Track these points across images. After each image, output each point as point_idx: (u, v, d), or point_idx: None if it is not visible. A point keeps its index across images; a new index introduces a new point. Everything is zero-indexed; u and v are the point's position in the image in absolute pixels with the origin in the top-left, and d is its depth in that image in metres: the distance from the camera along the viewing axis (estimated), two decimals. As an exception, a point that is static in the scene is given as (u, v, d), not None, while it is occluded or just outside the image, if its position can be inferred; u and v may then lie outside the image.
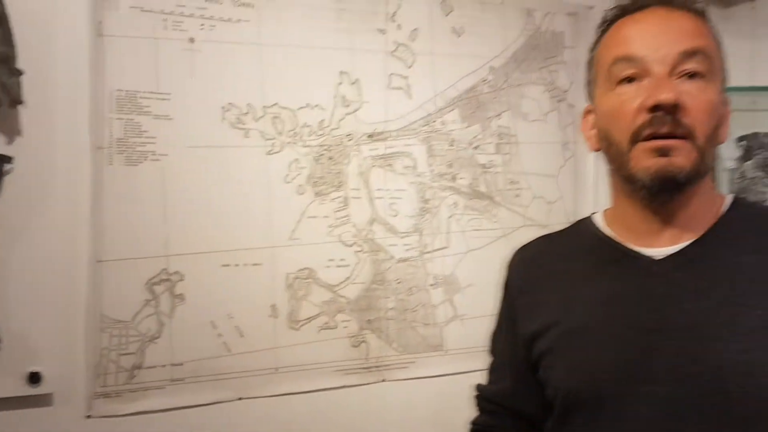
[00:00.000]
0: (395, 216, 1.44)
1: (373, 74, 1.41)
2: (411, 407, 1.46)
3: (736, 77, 1.81)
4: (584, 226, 1.03)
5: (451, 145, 1.50)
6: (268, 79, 1.31)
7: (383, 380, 1.44)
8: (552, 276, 1.00)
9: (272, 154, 1.32)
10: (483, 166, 1.53)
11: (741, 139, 1.64)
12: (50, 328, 1.13)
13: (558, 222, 1.63)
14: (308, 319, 1.36)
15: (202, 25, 1.25)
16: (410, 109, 1.45)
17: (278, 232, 1.33)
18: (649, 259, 0.89)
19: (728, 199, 0.93)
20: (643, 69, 0.85)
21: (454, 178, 1.50)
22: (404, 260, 1.46)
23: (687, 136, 0.82)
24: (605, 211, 1.03)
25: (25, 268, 1.12)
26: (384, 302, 1.44)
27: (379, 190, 1.42)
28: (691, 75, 0.83)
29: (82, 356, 1.16)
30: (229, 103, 1.28)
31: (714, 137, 0.85)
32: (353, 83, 1.39)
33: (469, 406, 1.38)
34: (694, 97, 0.82)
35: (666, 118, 0.82)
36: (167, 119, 1.23)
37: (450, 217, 1.50)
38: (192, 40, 1.24)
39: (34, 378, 1.10)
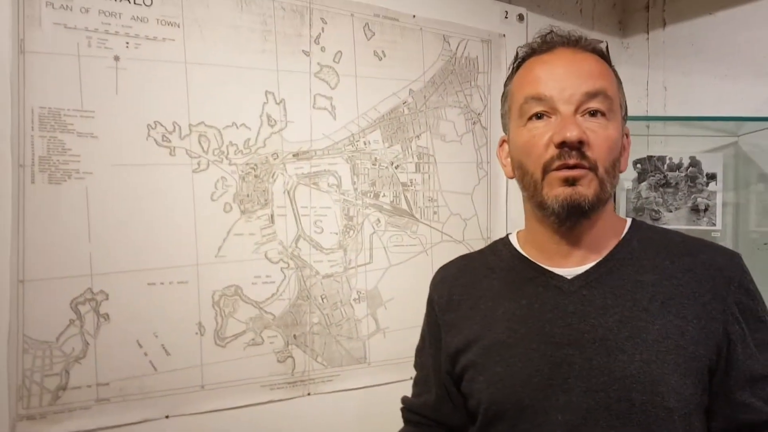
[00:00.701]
0: (320, 233, 1.48)
1: (298, 94, 1.45)
2: (336, 419, 1.50)
3: (632, 105, 1.97)
4: (501, 245, 1.12)
5: (374, 164, 1.55)
6: (194, 98, 1.32)
7: (309, 394, 1.47)
8: (473, 293, 1.07)
9: (198, 172, 1.33)
10: (404, 184, 1.60)
11: (636, 162, 1.79)
12: (-31, 351, 1.10)
13: (472, 238, 1.72)
14: (235, 335, 1.37)
15: (127, 43, 1.25)
16: (334, 129, 1.50)
17: (205, 250, 1.34)
18: (561, 278, 0.98)
19: (628, 223, 1.03)
20: (551, 107, 0.94)
21: (376, 196, 1.56)
22: (329, 276, 1.49)
23: (590, 167, 0.92)
24: (518, 232, 1.12)
25: (-58, 289, 1.08)
26: (309, 317, 1.47)
27: (304, 207, 1.46)
28: (593, 113, 0.93)
29: (5, 378, 1.13)
30: (155, 121, 1.28)
31: (614, 168, 0.95)
32: (278, 103, 1.42)
33: (391, 416, 1.44)
34: (596, 133, 0.92)
35: (572, 153, 0.91)
36: (92, 137, 1.22)
37: (373, 233, 1.55)
38: (117, 58, 1.24)
39: (-48, 403, 1.07)
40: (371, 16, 1.55)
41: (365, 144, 1.54)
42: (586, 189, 0.92)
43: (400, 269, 1.60)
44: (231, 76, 1.36)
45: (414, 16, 1.61)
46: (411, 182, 1.61)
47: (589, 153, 0.92)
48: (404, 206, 1.60)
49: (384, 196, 1.57)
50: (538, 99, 0.95)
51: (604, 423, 0.89)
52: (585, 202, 0.93)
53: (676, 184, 1.78)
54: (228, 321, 1.36)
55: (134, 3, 1.26)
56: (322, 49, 1.48)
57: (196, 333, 1.33)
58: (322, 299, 1.49)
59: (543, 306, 0.98)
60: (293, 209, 1.44)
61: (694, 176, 1.78)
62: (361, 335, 1.54)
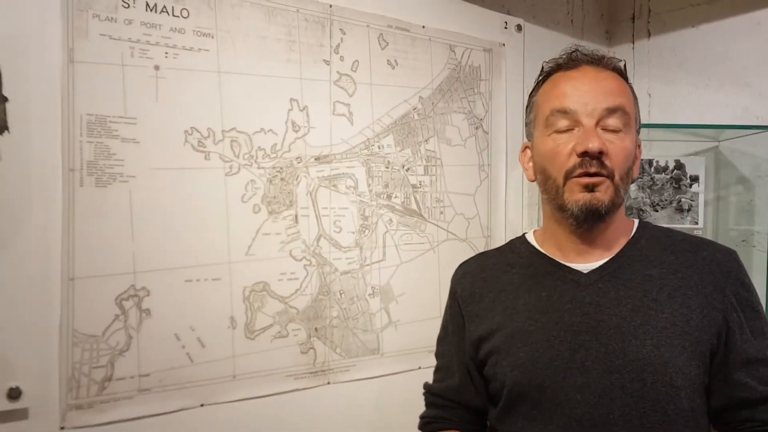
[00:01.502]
0: (339, 232, 1.57)
1: (319, 101, 1.53)
2: (353, 406, 1.60)
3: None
4: (519, 243, 1.23)
5: (387, 167, 1.65)
6: (227, 105, 1.40)
7: (329, 383, 1.56)
8: (494, 287, 1.18)
9: (230, 175, 1.41)
10: (414, 186, 1.70)
11: (627, 163, 1.92)
12: (27, 344, 1.17)
13: (474, 236, 1.83)
14: (263, 329, 1.46)
15: (167, 53, 1.32)
16: (352, 134, 1.59)
17: (236, 249, 1.42)
18: (577, 273, 1.10)
19: (636, 223, 1.16)
20: (575, 120, 1.06)
21: (389, 197, 1.65)
22: (347, 272, 1.59)
23: (608, 175, 1.04)
24: (534, 232, 1.23)
25: (2, 287, 1.14)
26: (329, 311, 1.56)
27: (324, 208, 1.55)
28: (612, 127, 1.05)
29: (56, 371, 1.20)
30: (192, 127, 1.36)
31: (628, 175, 1.07)
32: (302, 110, 1.51)
33: (403, 402, 1.55)
34: (614, 145, 1.04)
35: (593, 162, 1.03)
36: (134, 142, 1.29)
37: (386, 232, 1.65)
38: (157, 67, 1.31)
39: (14, 393, 1.13)
40: (385, 27, 1.64)
41: (379, 148, 1.63)
42: (603, 195, 1.04)
43: (410, 266, 1.70)
44: (259, 85, 1.45)
45: (423, 27, 1.71)
46: (420, 184, 1.71)
47: (607, 162, 1.03)
48: (414, 207, 1.70)
49: (396, 197, 1.67)
50: (564, 112, 1.07)
51: (618, 401, 1.01)
52: (602, 207, 1.04)
53: (662, 185, 1.92)
54: (257, 315, 1.45)
55: (173, 15, 1.33)
56: (341, 59, 1.57)
57: (229, 326, 1.41)
58: (341, 294, 1.58)
59: (561, 297, 1.08)
60: (315, 210, 1.53)
61: (679, 178, 1.92)
62: (375, 328, 1.64)
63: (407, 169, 1.69)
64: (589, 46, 2.15)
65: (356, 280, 1.61)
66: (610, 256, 1.10)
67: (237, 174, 1.42)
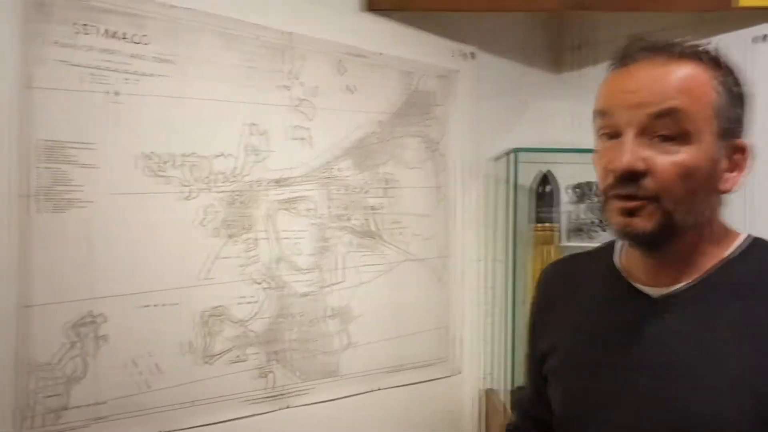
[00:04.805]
0: (298, 255, 1.59)
1: (279, 126, 1.55)
2: (313, 429, 1.60)
3: (568, 136, 2.18)
4: (605, 252, 1.04)
5: (346, 190, 1.67)
6: (187, 130, 1.41)
7: (288, 407, 1.56)
8: (566, 298, 1.04)
9: (189, 199, 1.41)
10: (372, 208, 1.73)
11: (576, 186, 1.99)
12: (-20, 374, 1.15)
13: (432, 256, 1.87)
14: (221, 353, 1.46)
15: (127, 78, 1.32)
16: (311, 157, 1.61)
17: (194, 273, 1.42)
18: (647, 298, 0.91)
19: (738, 242, 0.91)
20: (616, 128, 0.85)
21: (348, 219, 1.68)
22: (306, 295, 1.60)
23: (650, 198, 0.83)
24: None
25: (-45, 316, 1.12)
26: (288, 334, 1.57)
27: (284, 231, 1.56)
28: (663, 137, 0.82)
29: (11, 400, 1.18)
30: (151, 152, 1.36)
31: (695, 195, 0.84)
32: (262, 134, 1.52)
33: (361, 425, 1.56)
34: (662, 160, 0.82)
35: (627, 183, 0.83)
36: (93, 168, 1.28)
37: (345, 254, 1.67)
38: (117, 92, 1.31)
39: (-33, 425, 1.11)
40: (344, 54, 1.67)
41: (338, 171, 1.66)
42: (645, 222, 0.84)
43: (369, 287, 1.72)
44: (219, 109, 1.45)
45: (381, 54, 1.74)
46: (379, 206, 1.74)
47: (649, 184, 0.83)
48: (373, 228, 1.73)
49: (355, 219, 1.69)
50: (603, 116, 0.88)
51: None
52: (643, 235, 0.85)
53: (610, 207, 1.99)
54: (215, 339, 1.44)
55: (132, 41, 1.33)
56: (301, 84, 1.59)
57: (187, 351, 1.40)
58: (300, 317, 1.59)
59: (623, 325, 0.93)
60: (274, 233, 1.54)
61: (625, 200, 2.00)
62: (334, 350, 1.65)
63: (366, 192, 1.71)
64: (538, 73, 2.25)
65: (315, 302, 1.62)
66: (688, 282, 0.89)
67: (196, 198, 1.42)
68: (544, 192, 1.90)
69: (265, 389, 1.53)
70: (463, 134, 1.95)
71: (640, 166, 0.82)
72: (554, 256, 1.89)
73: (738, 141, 0.87)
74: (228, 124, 1.47)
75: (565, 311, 1.03)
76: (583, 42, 2.20)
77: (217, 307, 1.45)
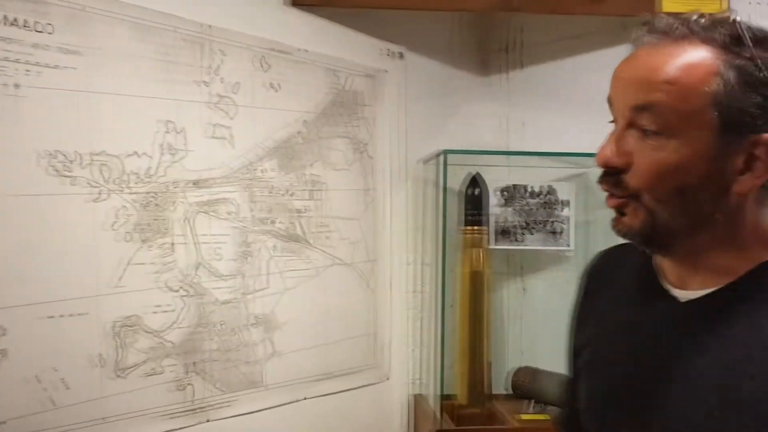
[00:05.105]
0: (219, 260, 1.50)
1: (197, 124, 1.47)
2: (235, 444, 1.53)
3: (495, 138, 2.18)
4: None
5: (270, 192, 1.60)
6: (96, 127, 1.30)
7: (208, 420, 1.48)
8: (603, 292, 0.97)
9: (99, 201, 1.31)
10: (298, 211, 1.66)
11: (503, 189, 1.98)
12: None
13: (360, 260, 1.82)
14: (135, 366, 1.36)
15: (28, 70, 1.21)
16: (233, 157, 1.53)
17: (104, 281, 1.32)
18: (673, 301, 0.84)
19: None
20: (615, 118, 0.81)
21: (272, 223, 1.61)
22: (227, 302, 1.52)
23: (631, 195, 0.78)
24: None
25: None
26: (208, 344, 1.48)
27: (203, 235, 1.48)
28: (648, 131, 0.76)
29: None
30: (56, 150, 1.25)
31: (680, 194, 0.77)
32: (179, 132, 1.43)
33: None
34: (644, 156, 0.76)
35: (609, 178, 0.79)
36: (-12, 167, 1.17)
37: (269, 259, 1.60)
38: (17, 85, 1.20)
39: None
40: (267, 50, 1.60)
41: (262, 172, 1.59)
42: (632, 219, 0.79)
43: (294, 293, 1.65)
44: (132, 105, 1.36)
45: (307, 51, 1.68)
46: (305, 209, 1.68)
47: (630, 180, 0.77)
48: (298, 232, 1.67)
49: (280, 222, 1.62)
50: (608, 103, 0.82)
51: None
52: (630, 234, 0.80)
53: (536, 209, 2.00)
54: (128, 351, 1.35)
55: (35, 30, 1.22)
56: (221, 80, 1.51)
57: (97, 365, 1.30)
58: (221, 325, 1.51)
59: (647, 328, 0.86)
60: (193, 237, 1.46)
61: (551, 203, 2.01)
62: (257, 359, 1.58)
63: (291, 194, 1.65)
64: (466, 75, 2.24)
65: (238, 310, 1.54)
66: (718, 287, 0.80)
67: (106, 200, 1.32)
68: (473, 194, 1.88)
69: (183, 402, 1.44)
70: (391, 136, 1.91)
71: (615, 161, 0.77)
72: (483, 259, 1.88)
73: (757, 136, 0.73)
74: (142, 120, 1.38)
75: (598, 306, 0.96)
76: (510, 45, 2.21)
77: (129, 316, 1.35)
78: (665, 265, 0.85)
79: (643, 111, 0.75)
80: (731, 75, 0.73)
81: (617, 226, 0.81)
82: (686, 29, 0.76)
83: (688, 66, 0.74)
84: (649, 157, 0.75)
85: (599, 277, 0.99)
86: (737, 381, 0.73)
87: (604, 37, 1.98)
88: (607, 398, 0.87)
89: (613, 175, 0.78)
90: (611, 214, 0.83)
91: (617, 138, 0.78)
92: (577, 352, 0.98)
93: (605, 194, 0.81)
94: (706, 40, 0.75)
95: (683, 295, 0.82)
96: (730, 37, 0.74)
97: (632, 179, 0.77)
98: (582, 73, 2.05)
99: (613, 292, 0.93)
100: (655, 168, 0.75)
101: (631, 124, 0.77)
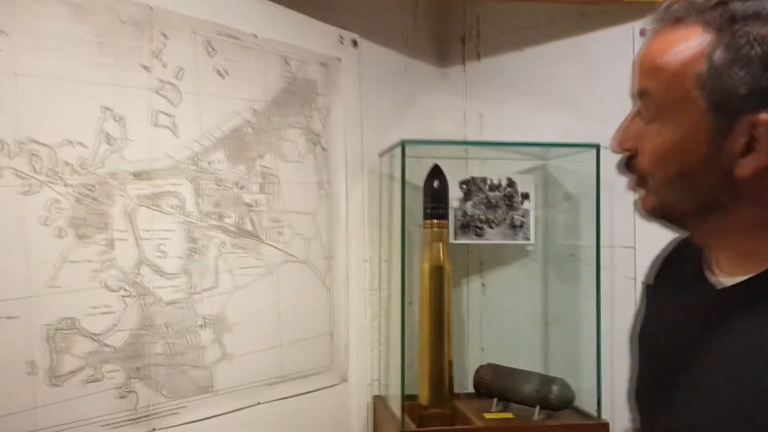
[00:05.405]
0: (163, 257, 1.41)
1: (138, 111, 1.37)
2: (183, 453, 1.43)
3: (452, 130, 2.13)
4: None
5: (218, 185, 1.51)
6: (25, 113, 1.20)
7: (153, 429, 1.38)
8: (664, 276, 0.98)
9: (28, 194, 1.20)
10: (248, 205, 1.57)
11: (463, 182, 1.93)
12: None
13: (315, 257, 1.74)
14: (71, 372, 1.25)
15: (-55, 49, 1.10)
16: (177, 148, 1.43)
17: (36, 281, 1.21)
18: (711, 289, 0.83)
19: None
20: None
21: (221, 218, 1.51)
22: (173, 302, 1.42)
23: (642, 178, 0.81)
24: None
25: None
26: (152, 348, 1.38)
27: (146, 231, 1.38)
28: (650, 117, 0.78)
29: None
30: (-22, 138, 1.14)
31: (683, 177, 0.77)
32: (117, 120, 1.33)
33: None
34: (646, 140, 0.79)
35: (624, 162, 0.82)
36: None
37: (218, 256, 1.51)
38: (-68, 65, 1.09)
39: None
40: (213, 34, 1.51)
41: (209, 164, 1.49)
42: (645, 201, 0.83)
43: (246, 292, 1.56)
44: (65, 90, 1.26)
45: (256, 36, 1.60)
46: (256, 203, 1.59)
47: (636, 163, 0.81)
48: (249, 227, 1.58)
49: (229, 217, 1.53)
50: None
51: None
52: (644, 215, 0.83)
53: (496, 202, 1.95)
54: (63, 357, 1.24)
55: (-48, 4, 1.11)
56: (164, 66, 1.41)
57: (28, 372, 1.19)
58: (166, 327, 1.41)
59: (685, 314, 0.86)
60: (134, 233, 1.36)
61: (511, 195, 1.96)
62: (206, 363, 1.49)
63: (241, 187, 1.56)
64: (423, 66, 2.18)
65: (184, 311, 1.44)
66: (754, 273, 0.77)
67: (37, 193, 1.21)
68: (434, 187, 1.81)
69: (126, 411, 1.34)
70: (346, 127, 1.84)
71: (625, 145, 0.81)
72: (444, 254, 1.82)
73: (753, 116, 0.70)
74: (77, 107, 1.28)
75: (656, 290, 0.97)
76: (467, 35, 2.16)
77: (65, 319, 1.25)
78: (711, 252, 0.85)
79: (642, 97, 0.79)
80: (719, 54, 0.72)
81: (638, 208, 0.84)
82: (684, 12, 0.76)
83: (677, 50, 0.75)
84: (650, 141, 0.78)
85: (668, 263, 0.99)
86: (758, 372, 0.71)
87: (563, 26, 1.95)
88: (649, 381, 0.90)
89: (628, 160, 0.81)
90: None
91: (627, 124, 0.81)
92: (638, 337, 0.99)
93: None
94: (702, 22, 0.74)
95: (719, 282, 0.82)
96: (725, 15, 0.73)
97: (640, 163, 0.80)
98: (541, 63, 2.01)
99: (673, 278, 0.94)
100: (655, 152, 0.78)
101: (639, 111, 0.80)
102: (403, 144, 1.69)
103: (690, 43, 0.74)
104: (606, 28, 1.84)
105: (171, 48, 1.43)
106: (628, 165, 0.81)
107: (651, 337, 0.93)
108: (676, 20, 0.76)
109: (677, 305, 0.89)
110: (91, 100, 1.30)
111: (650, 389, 0.90)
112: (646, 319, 0.97)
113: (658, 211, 0.81)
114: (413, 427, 1.69)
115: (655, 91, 0.76)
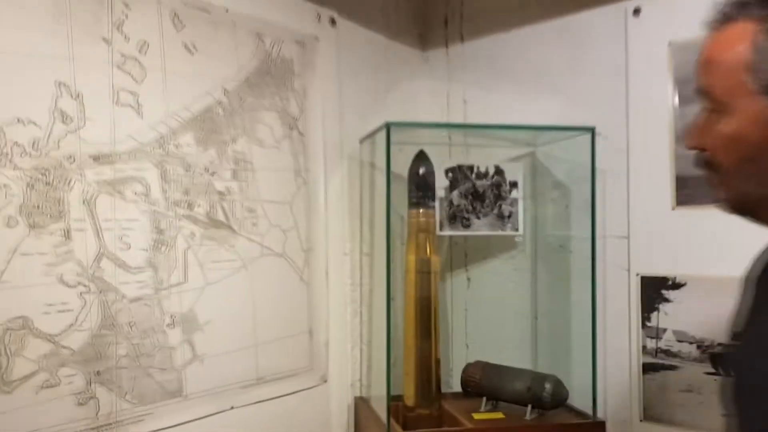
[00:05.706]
0: (127, 250, 1.28)
1: (97, 88, 1.24)
2: (150, 465, 1.30)
3: (434, 116, 2.02)
4: None
5: (187, 171, 1.38)
6: (-35, 86, 1.06)
7: (117, 439, 1.25)
8: (751, 276, 0.97)
9: (-28, 178, 1.07)
10: (220, 193, 1.45)
11: (448, 171, 1.82)
12: None
13: (293, 250, 1.62)
14: (24, 378, 1.12)
15: None
16: (141, 129, 1.31)
17: (-19, 275, 1.08)
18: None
19: None
20: None
21: (190, 206, 1.39)
22: (138, 299, 1.30)
23: (714, 171, 0.84)
24: None
25: None
26: (115, 349, 1.26)
27: (107, 220, 1.25)
28: (710, 111, 0.83)
29: None
30: None
31: (753, 163, 0.80)
32: (74, 97, 1.20)
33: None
34: (711, 134, 0.82)
35: (699, 158, 0.86)
36: None
37: (187, 248, 1.38)
38: None
39: None
40: (180, 5, 1.38)
41: (176, 147, 1.37)
42: (720, 192, 0.85)
43: (218, 287, 1.44)
44: (15, 64, 1.12)
45: (227, 10, 1.47)
46: (228, 191, 1.47)
47: (707, 157, 0.84)
48: (221, 218, 1.45)
49: (199, 206, 1.41)
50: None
51: None
52: (725, 206, 0.85)
53: (484, 192, 1.85)
54: (15, 360, 1.11)
55: None
56: (126, 38, 1.29)
57: (-28, 379, 1.06)
58: (130, 327, 1.28)
59: (746, 310, 0.91)
60: (94, 222, 1.22)
61: (499, 184, 1.86)
62: (175, 365, 1.36)
63: (212, 173, 1.43)
64: (404, 48, 2.08)
65: (150, 308, 1.32)
66: None
67: (-18, 177, 1.08)
68: (420, 174, 1.70)
69: (86, 419, 1.21)
70: (325, 111, 1.72)
71: (696, 143, 0.84)
72: (431, 246, 1.71)
73: None
74: (29, 82, 1.14)
75: (744, 293, 0.96)
76: (450, 17, 2.06)
77: (15, 318, 1.12)
78: None
79: (701, 94, 0.83)
80: (761, 40, 0.76)
81: (715, 200, 0.86)
82: (732, 10, 0.81)
83: (722, 44, 0.80)
84: (714, 134, 0.81)
85: (758, 265, 0.96)
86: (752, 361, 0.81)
87: (551, 5, 1.85)
88: (720, 392, 0.92)
89: (702, 156, 0.84)
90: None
91: (697, 122, 0.84)
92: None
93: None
94: (747, 16, 0.79)
95: None
96: (766, 7, 0.78)
97: (710, 157, 0.83)
98: (528, 46, 1.91)
99: (750, 278, 0.94)
100: (719, 143, 0.81)
101: (704, 107, 0.84)
102: (387, 126, 1.57)
103: (733, 36, 0.79)
104: (598, 6, 1.75)
105: (134, 19, 1.30)
106: (702, 161, 0.84)
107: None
108: (725, 18, 0.81)
109: (743, 309, 0.91)
110: (45, 74, 1.17)
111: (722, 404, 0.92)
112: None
113: (733, 203, 0.83)
114: (399, 429, 1.59)
115: (712, 84, 0.81)
